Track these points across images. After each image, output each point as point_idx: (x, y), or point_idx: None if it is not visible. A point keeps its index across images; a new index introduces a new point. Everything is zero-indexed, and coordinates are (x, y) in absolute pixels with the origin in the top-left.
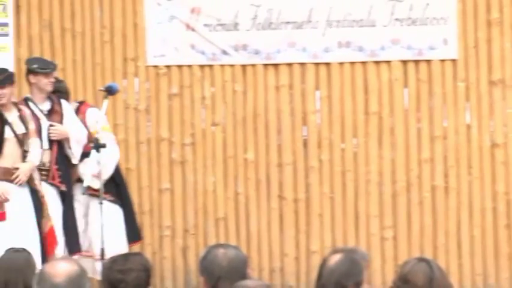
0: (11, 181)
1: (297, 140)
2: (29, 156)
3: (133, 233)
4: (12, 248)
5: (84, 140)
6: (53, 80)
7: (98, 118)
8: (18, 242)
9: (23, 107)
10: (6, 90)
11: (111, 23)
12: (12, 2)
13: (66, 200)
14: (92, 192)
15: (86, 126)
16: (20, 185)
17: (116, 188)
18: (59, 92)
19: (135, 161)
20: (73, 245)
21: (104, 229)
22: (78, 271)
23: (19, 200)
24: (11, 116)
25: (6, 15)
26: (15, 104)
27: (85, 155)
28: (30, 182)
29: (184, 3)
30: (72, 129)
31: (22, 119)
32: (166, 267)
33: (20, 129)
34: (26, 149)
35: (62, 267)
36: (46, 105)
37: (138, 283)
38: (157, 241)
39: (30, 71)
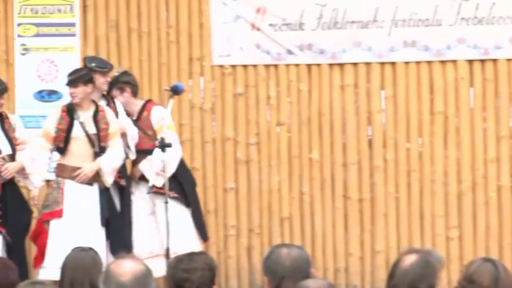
0: (73, 179)
1: (362, 140)
2: (99, 157)
3: (200, 232)
4: (79, 247)
5: (137, 137)
6: (109, 79)
7: (163, 116)
8: (79, 240)
9: (107, 107)
10: (78, 90)
11: (177, 22)
12: (79, 2)
13: (125, 194)
14: (156, 190)
15: (150, 123)
16: (89, 183)
17: (179, 186)
18: (130, 85)
19: (200, 161)
20: (127, 245)
21: (169, 227)
22: (143, 270)
23: (85, 198)
24: (85, 115)
25: (73, 15)
26: (95, 103)
27: (145, 152)
28: (99, 181)
29: (250, 2)
30: (128, 126)
31: (96, 118)
32: (231, 267)
33: (92, 129)
34: (96, 149)
35: (127, 266)
36: (101, 103)
37: (203, 282)
38: (222, 240)
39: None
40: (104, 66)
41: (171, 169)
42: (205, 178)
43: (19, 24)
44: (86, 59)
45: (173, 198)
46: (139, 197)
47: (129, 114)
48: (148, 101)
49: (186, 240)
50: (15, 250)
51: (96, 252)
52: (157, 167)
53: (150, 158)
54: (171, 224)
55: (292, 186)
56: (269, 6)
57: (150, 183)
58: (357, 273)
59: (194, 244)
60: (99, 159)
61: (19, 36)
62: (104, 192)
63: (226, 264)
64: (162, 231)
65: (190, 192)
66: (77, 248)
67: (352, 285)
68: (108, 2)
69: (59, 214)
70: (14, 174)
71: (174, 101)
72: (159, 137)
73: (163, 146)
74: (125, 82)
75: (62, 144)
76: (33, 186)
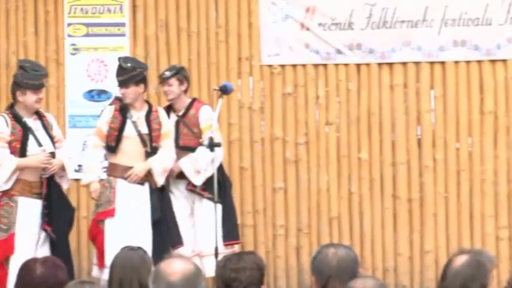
0: (125, 178)
1: (411, 139)
2: (151, 157)
3: (231, 232)
4: (128, 246)
5: (173, 135)
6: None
7: (211, 116)
8: (131, 239)
9: (160, 108)
10: (129, 90)
11: (226, 22)
12: (129, 2)
13: (164, 193)
14: (191, 188)
15: (197, 121)
16: (140, 183)
17: (218, 186)
18: (188, 81)
19: (249, 160)
20: (175, 239)
21: (202, 226)
22: (193, 270)
23: (136, 198)
24: (138, 114)
25: (122, 15)
26: (148, 103)
27: (188, 149)
28: (150, 181)
29: (299, 2)
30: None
31: (149, 118)
32: (279, 266)
33: (144, 128)
34: (147, 149)
35: (177, 265)
36: None
37: (252, 282)
38: (271, 240)
39: None
40: (139, 66)
41: (213, 169)
42: (254, 178)
43: (69, 24)
44: (121, 59)
45: (207, 198)
46: (180, 197)
47: (174, 110)
48: (196, 100)
49: (209, 240)
50: (60, 248)
51: (144, 252)
52: (200, 166)
53: (192, 156)
54: (200, 223)
55: (341, 185)
56: (318, 6)
57: (197, 182)
58: (406, 273)
59: (218, 245)
60: (151, 159)
61: (69, 36)
62: (155, 192)
63: (275, 264)
64: (199, 230)
65: (227, 193)
66: (125, 247)
67: (401, 285)
68: (157, 2)
69: (111, 213)
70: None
71: (223, 100)
72: (206, 136)
73: (213, 145)
74: (185, 76)
75: (113, 143)
76: (66, 185)
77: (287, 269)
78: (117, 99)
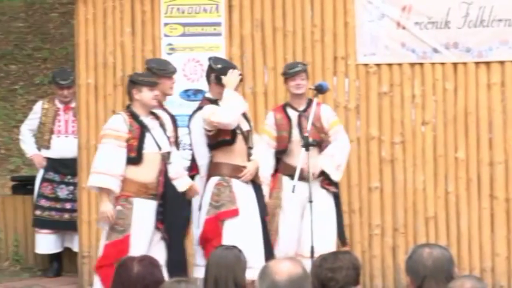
0: (238, 178)
1: (509, 139)
2: (254, 155)
3: (343, 233)
4: (224, 245)
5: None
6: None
7: (332, 114)
8: (251, 239)
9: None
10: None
11: (321, 22)
12: (225, 1)
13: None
14: (326, 186)
15: (318, 115)
16: (246, 182)
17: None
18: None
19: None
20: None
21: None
22: (300, 273)
23: (249, 197)
24: None
25: (218, 15)
26: None
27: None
28: (255, 179)
29: (395, 1)
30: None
31: (245, 115)
32: (375, 266)
33: (245, 125)
34: (250, 145)
35: (285, 266)
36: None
37: (348, 281)
38: (367, 240)
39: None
40: (166, 69)
41: (344, 162)
42: (349, 177)
43: (166, 24)
44: (149, 62)
45: (333, 192)
46: (293, 198)
47: (292, 106)
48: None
49: (328, 240)
50: (175, 247)
51: (240, 250)
52: (340, 161)
53: (327, 152)
54: (318, 222)
55: (437, 185)
56: (415, 5)
57: (336, 178)
58: (503, 274)
59: (333, 246)
60: (255, 156)
61: (165, 36)
62: (259, 190)
63: (370, 264)
64: (316, 229)
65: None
66: (221, 246)
67: (498, 285)
68: (253, 2)
69: (235, 213)
70: None
71: (319, 100)
72: (335, 131)
73: (308, 144)
74: (307, 74)
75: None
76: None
77: (383, 269)
78: (206, 99)
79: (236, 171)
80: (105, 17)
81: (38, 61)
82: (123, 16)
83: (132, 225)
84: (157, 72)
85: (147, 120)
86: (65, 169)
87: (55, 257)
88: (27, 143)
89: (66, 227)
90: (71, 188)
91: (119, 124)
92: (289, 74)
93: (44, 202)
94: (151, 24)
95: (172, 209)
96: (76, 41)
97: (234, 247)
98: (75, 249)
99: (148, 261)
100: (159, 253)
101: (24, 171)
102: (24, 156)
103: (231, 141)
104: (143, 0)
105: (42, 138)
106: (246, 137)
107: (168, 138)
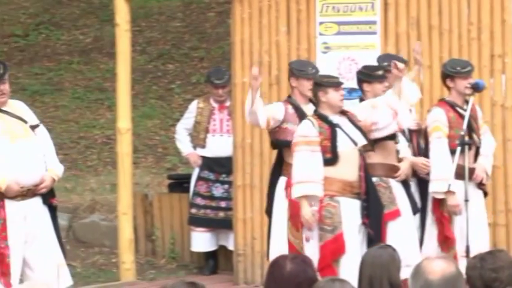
0: (393, 177)
1: None
2: (401, 153)
3: None
4: (378, 245)
5: None
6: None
7: (480, 115)
8: (410, 239)
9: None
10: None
11: (478, 19)
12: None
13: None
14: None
15: (476, 120)
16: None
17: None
18: None
19: (502, 159)
20: None
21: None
22: (454, 272)
23: (402, 195)
24: None
25: (374, 13)
26: None
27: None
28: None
29: None
30: None
31: None
32: None
33: None
34: (397, 141)
35: (438, 265)
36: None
37: (511, 281)
38: None
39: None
40: (305, 70)
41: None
42: (506, 177)
43: (321, 23)
44: (291, 63)
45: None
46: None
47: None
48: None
49: (483, 240)
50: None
51: (394, 249)
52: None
53: (483, 154)
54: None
55: None
56: None
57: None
58: None
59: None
60: (407, 155)
61: (320, 34)
62: (408, 187)
63: None
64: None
65: None
66: (375, 245)
67: None
68: (409, 0)
69: (397, 214)
70: None
71: (475, 98)
72: (484, 130)
73: (464, 143)
74: None
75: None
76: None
77: None
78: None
79: (391, 170)
80: (261, 16)
81: (194, 60)
82: (279, 15)
83: (342, 223)
84: (296, 73)
85: (336, 119)
86: (220, 168)
87: (211, 255)
88: (183, 142)
89: (221, 225)
90: (226, 186)
91: (307, 129)
92: (462, 73)
93: (199, 200)
94: (307, 23)
95: (373, 206)
96: (232, 40)
97: (389, 246)
98: (230, 247)
99: (300, 259)
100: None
101: (180, 170)
102: (180, 155)
103: (393, 137)
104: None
105: (198, 137)
106: (394, 134)
107: (361, 129)
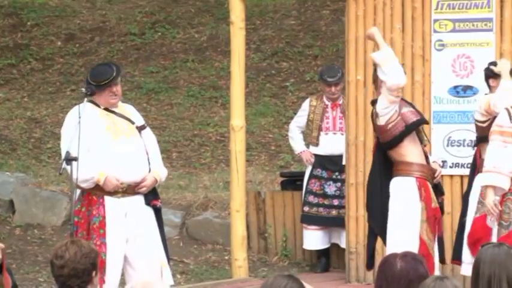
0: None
1: None
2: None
3: None
4: (491, 243)
5: None
6: None
7: None
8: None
9: None
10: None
11: None
12: None
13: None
14: None
15: None
16: None
17: None
18: None
19: None
20: None
21: None
22: None
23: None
24: None
25: (490, 10)
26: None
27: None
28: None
29: None
30: None
31: None
32: None
33: None
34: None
35: None
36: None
37: None
38: None
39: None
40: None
41: None
42: None
43: (435, 21)
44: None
45: None
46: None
47: None
48: None
49: None
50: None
51: (509, 247)
52: None
53: None
54: None
55: None
56: None
57: None
58: None
59: None
60: None
61: (435, 32)
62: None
63: None
64: None
65: None
66: (490, 243)
67: None
68: None
69: None
70: None
71: None
72: None
73: None
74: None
75: None
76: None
77: None
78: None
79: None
80: (375, 14)
81: (308, 58)
82: (393, 13)
83: None
84: None
85: None
86: (333, 166)
87: (323, 253)
88: (296, 140)
89: (334, 223)
90: (339, 184)
91: (503, 119)
92: None
93: (312, 198)
94: (421, 20)
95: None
96: (346, 38)
97: (503, 244)
98: (342, 245)
99: (411, 257)
100: None
101: (293, 167)
102: (293, 153)
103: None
104: None
105: (311, 135)
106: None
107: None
